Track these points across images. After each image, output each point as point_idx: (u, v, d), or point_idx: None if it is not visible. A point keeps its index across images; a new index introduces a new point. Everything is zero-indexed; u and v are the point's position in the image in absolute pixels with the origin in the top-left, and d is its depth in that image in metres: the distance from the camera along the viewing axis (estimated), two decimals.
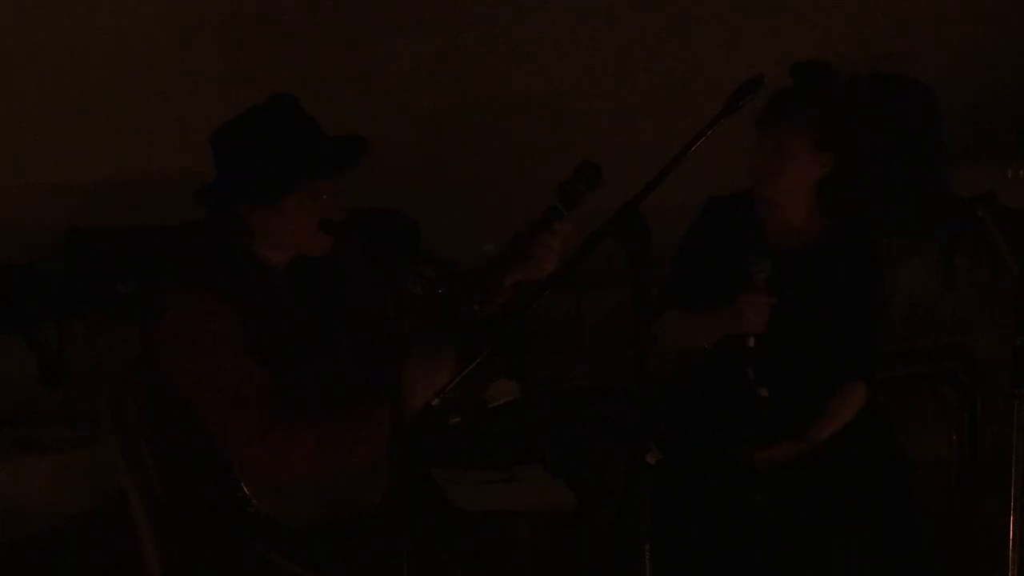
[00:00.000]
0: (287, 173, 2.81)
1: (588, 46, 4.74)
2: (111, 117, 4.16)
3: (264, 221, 2.86)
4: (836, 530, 3.33)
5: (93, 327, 4.01)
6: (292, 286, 2.94)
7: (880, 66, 5.10)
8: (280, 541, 2.85)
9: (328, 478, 2.86)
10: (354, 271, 3.01)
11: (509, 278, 2.87)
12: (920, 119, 4.99)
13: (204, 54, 4.24)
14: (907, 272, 4.96)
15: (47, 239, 4.04)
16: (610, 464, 3.87)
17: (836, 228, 3.52)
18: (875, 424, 3.53)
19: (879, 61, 5.11)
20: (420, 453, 2.82)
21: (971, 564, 4.10)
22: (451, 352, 2.83)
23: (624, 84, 4.78)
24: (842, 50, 5.02)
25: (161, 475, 2.98)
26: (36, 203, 4.09)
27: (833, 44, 4.99)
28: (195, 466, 2.87)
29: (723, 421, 3.46)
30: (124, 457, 2.98)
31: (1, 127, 4.06)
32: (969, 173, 4.88)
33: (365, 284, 2.98)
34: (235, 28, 4.28)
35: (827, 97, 3.42)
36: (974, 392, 4.70)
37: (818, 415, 3.41)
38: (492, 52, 4.60)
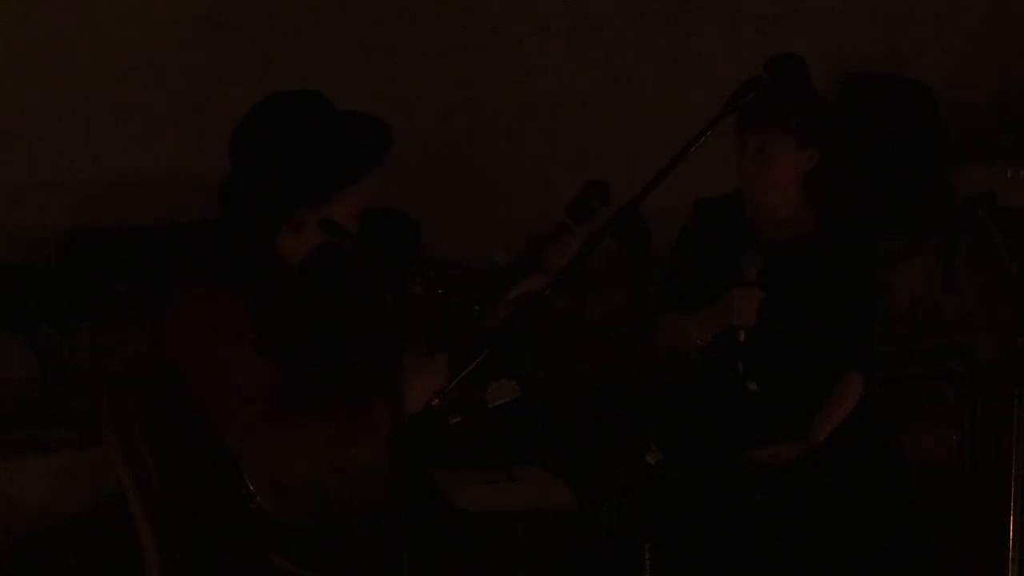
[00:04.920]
0: (343, 171, 2.82)
1: (589, 46, 4.74)
2: (111, 117, 4.15)
3: (305, 214, 2.85)
4: (836, 531, 3.33)
5: (93, 327, 4.00)
6: (305, 281, 2.94)
7: (880, 66, 5.10)
8: (280, 541, 2.85)
9: (328, 478, 2.86)
10: (354, 271, 3.01)
11: (513, 291, 2.88)
12: (920, 119, 4.99)
13: (204, 53, 4.24)
14: (907, 272, 4.96)
15: (47, 239, 4.04)
16: (610, 464, 3.87)
17: (829, 222, 3.52)
18: (875, 425, 3.53)
19: (879, 61, 5.11)
20: (420, 453, 2.82)
21: (971, 564, 4.10)
22: (449, 353, 2.83)
23: (625, 85, 4.78)
24: (842, 50, 5.04)
25: (161, 475, 2.98)
26: (36, 203, 4.09)
27: (833, 44, 5.00)
28: (195, 465, 2.87)
29: (722, 421, 3.47)
30: (124, 457, 2.98)
31: (1, 127, 4.05)
32: (969, 173, 4.88)
33: (365, 284, 2.97)
34: (236, 27, 4.28)
35: (804, 94, 3.41)
36: (974, 392, 4.70)
37: (815, 412, 3.41)
38: (494, 52, 4.60)
